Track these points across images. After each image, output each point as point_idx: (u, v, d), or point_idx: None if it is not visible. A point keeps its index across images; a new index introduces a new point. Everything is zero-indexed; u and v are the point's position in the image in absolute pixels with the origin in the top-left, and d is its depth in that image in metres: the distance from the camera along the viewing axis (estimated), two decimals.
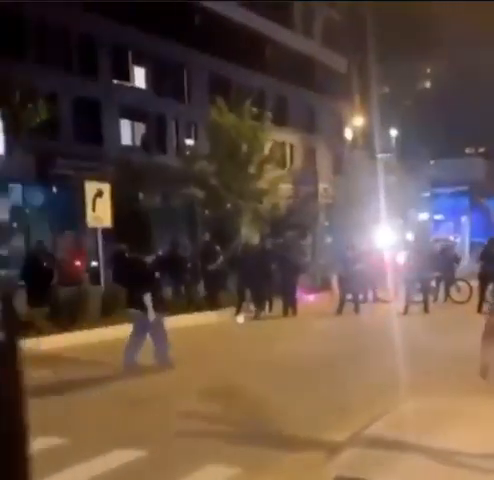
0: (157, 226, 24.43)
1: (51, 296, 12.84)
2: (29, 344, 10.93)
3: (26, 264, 14.31)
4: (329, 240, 30.60)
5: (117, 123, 30.28)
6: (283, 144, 36.96)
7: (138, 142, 31.48)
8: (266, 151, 19.01)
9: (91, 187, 13.99)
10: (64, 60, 27.97)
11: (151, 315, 9.29)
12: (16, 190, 25.70)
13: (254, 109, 19.31)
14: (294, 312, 15.84)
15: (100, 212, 13.98)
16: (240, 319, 14.68)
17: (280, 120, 38.17)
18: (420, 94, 57.38)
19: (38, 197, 27.13)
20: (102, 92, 29.04)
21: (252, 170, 18.69)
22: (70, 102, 27.90)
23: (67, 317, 12.39)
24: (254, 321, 14.97)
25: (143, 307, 9.31)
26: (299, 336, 12.53)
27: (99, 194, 14.01)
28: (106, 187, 14.27)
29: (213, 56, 33.22)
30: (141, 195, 29.04)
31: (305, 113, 39.60)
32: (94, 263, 19.15)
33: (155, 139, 31.31)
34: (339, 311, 15.93)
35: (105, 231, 22.98)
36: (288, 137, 37.82)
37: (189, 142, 32.27)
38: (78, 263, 18.65)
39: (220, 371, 9.28)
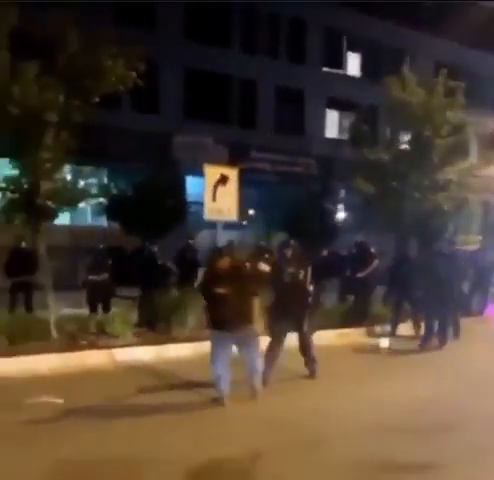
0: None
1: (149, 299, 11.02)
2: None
3: (138, 261, 12.69)
4: None
5: (323, 114, 28.02)
6: None
7: (345, 135, 28.87)
8: (456, 135, 15.32)
9: (212, 172, 11.87)
10: (270, 46, 26.47)
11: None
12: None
13: (452, 83, 15.60)
14: (456, 334, 12.20)
15: (222, 203, 11.79)
16: (384, 342, 11.38)
17: None
18: None
19: None
20: (309, 80, 27.04)
21: (436, 159, 15.20)
22: (272, 90, 26.35)
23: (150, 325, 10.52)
24: (407, 346, 11.49)
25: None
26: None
27: (222, 181, 11.83)
28: (233, 173, 12.05)
29: (441, 39, 29.37)
30: (343, 192, 26.53)
31: None
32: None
33: (366, 132, 28.45)
34: None
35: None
36: None
37: (405, 135, 28.84)
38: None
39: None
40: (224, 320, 7.12)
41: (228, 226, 14.97)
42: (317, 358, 8.68)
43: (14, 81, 9.21)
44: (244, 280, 7.15)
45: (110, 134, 21.01)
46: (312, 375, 8.63)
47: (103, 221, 21.21)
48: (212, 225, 13.10)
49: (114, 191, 19.61)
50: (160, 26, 23.84)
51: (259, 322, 7.23)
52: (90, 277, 12.35)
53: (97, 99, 9.65)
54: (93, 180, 20.63)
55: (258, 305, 7.22)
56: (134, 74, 9.74)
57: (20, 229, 10.99)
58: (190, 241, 15.54)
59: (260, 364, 7.43)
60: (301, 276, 8.39)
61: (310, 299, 8.49)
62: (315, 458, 5.62)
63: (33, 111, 9.17)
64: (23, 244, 12.25)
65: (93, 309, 12.21)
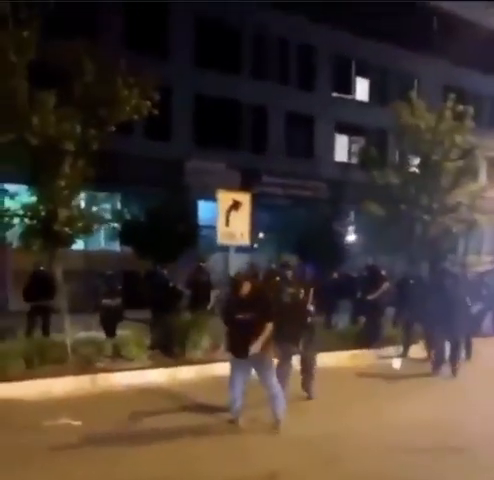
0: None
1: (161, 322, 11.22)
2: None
3: (149, 284, 12.88)
4: None
5: (332, 139, 28.35)
6: None
7: (354, 159, 29.15)
8: (465, 158, 15.58)
9: (225, 197, 12.11)
10: (280, 72, 26.85)
11: None
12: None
13: (460, 107, 15.86)
14: (468, 356, 12.34)
15: (235, 227, 12.01)
16: (395, 364, 11.47)
17: None
18: None
19: None
20: (318, 105, 27.38)
21: (445, 182, 15.46)
22: (282, 116, 26.71)
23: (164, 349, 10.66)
24: (418, 368, 11.53)
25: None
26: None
27: (235, 206, 12.07)
28: (245, 198, 12.29)
29: (448, 63, 29.76)
30: (353, 215, 26.68)
31: None
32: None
33: (375, 156, 28.72)
34: None
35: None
36: None
37: (414, 159, 29.09)
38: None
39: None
40: (239, 345, 7.25)
41: (240, 249, 15.45)
42: (315, 378, 8.74)
43: (33, 111, 9.51)
44: (254, 305, 7.28)
45: (123, 160, 21.31)
46: (309, 396, 8.72)
47: (116, 246, 21.45)
48: (224, 248, 13.33)
49: (127, 216, 19.85)
50: (171, 53, 24.26)
51: (270, 345, 7.36)
52: (104, 301, 12.50)
53: (113, 128, 9.93)
54: (107, 206, 20.87)
55: (270, 328, 7.32)
56: (149, 103, 10.04)
57: (38, 254, 11.22)
58: (202, 264, 15.70)
59: (279, 390, 7.49)
60: (301, 296, 8.38)
61: (310, 319, 8.46)
62: (326, 477, 5.76)
63: (51, 141, 9.46)
64: (41, 269, 12.44)
65: (108, 333, 12.35)
